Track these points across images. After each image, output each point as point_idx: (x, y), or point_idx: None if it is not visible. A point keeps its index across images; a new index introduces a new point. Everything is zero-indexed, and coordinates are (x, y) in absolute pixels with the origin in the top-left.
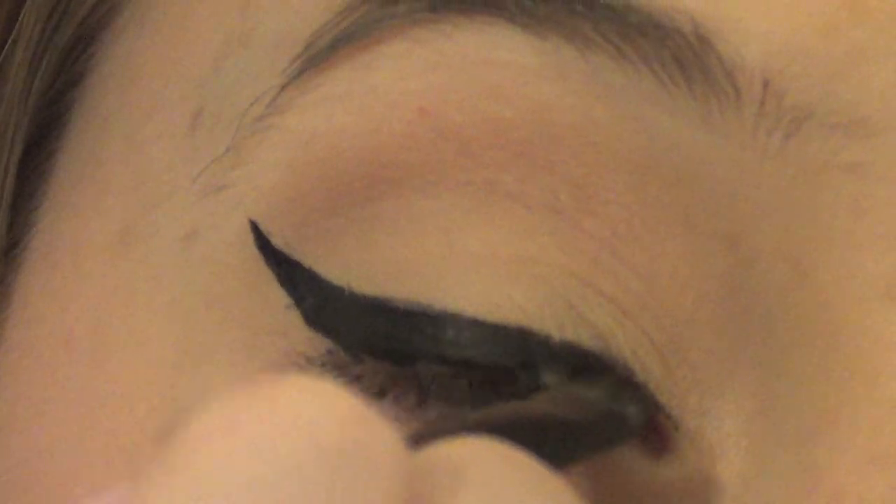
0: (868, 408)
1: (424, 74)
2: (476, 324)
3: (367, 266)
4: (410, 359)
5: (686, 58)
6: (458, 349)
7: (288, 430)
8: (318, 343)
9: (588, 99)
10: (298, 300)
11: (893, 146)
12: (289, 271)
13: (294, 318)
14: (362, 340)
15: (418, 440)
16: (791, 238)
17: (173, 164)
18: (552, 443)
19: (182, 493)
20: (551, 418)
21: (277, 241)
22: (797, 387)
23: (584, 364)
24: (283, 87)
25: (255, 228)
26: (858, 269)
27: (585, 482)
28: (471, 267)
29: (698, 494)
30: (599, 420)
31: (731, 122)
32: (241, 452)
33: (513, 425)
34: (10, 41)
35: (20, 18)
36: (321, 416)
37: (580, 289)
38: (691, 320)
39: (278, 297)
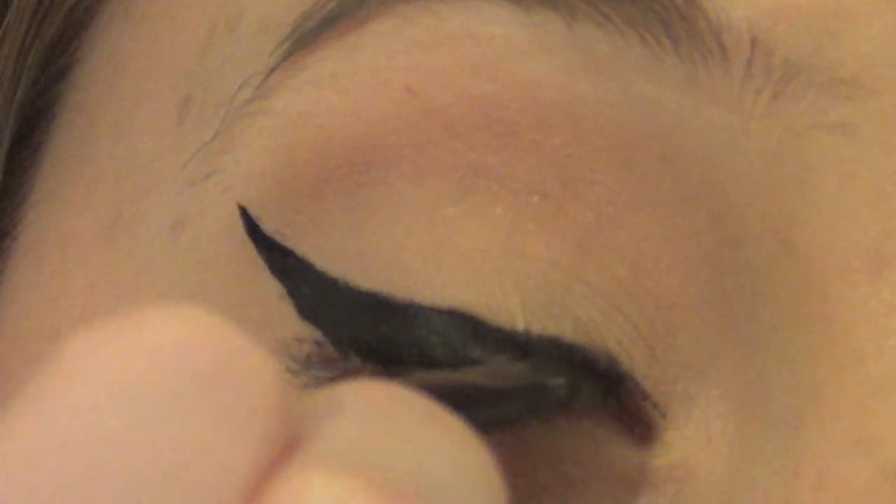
0: (853, 388)
1: (412, 52)
2: (464, 322)
3: (357, 257)
4: (398, 361)
5: (673, 19)
6: (447, 350)
7: (157, 352)
8: (306, 335)
9: (574, 73)
10: (292, 290)
11: (881, 107)
12: (281, 259)
13: (285, 309)
14: (352, 335)
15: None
16: (778, 208)
17: (161, 154)
18: (471, 408)
19: (44, 416)
20: (472, 386)
21: (267, 227)
22: (783, 367)
23: (568, 359)
24: (272, 71)
25: (245, 213)
26: (844, 239)
27: (572, 470)
28: (457, 263)
29: (686, 481)
30: (522, 391)
31: (719, 83)
32: (105, 374)
33: (433, 389)
34: None
35: (7, 13)
36: (192, 341)
37: (565, 281)
38: (677, 304)
39: (269, 286)
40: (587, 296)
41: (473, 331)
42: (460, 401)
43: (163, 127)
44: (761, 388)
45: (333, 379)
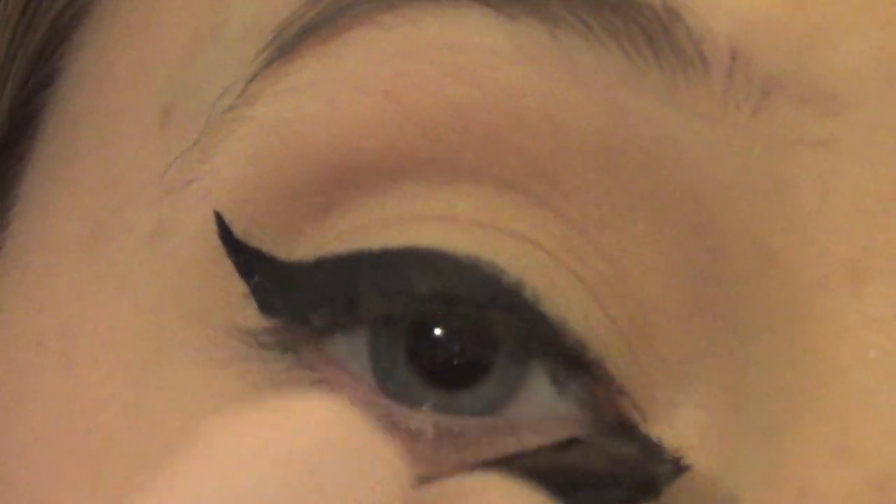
0: (834, 398)
1: (392, 60)
2: (450, 255)
3: (322, 237)
4: (364, 297)
5: (655, 31)
6: (430, 281)
7: (302, 439)
8: (273, 334)
9: (558, 81)
10: (255, 288)
11: (861, 122)
12: (247, 259)
13: (250, 308)
14: (315, 305)
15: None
16: (758, 219)
17: (144, 162)
18: (579, 495)
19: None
20: (580, 471)
21: (237, 230)
22: (765, 376)
23: (538, 331)
24: (252, 78)
25: (219, 218)
26: (824, 252)
27: None
28: (438, 229)
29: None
30: (628, 477)
31: (700, 95)
32: (256, 453)
33: (541, 474)
34: None
35: None
36: (332, 435)
37: (549, 262)
38: (658, 308)
39: (237, 287)
40: (569, 281)
41: (445, 269)
42: (569, 485)
43: (146, 135)
44: (744, 395)
45: (301, 369)
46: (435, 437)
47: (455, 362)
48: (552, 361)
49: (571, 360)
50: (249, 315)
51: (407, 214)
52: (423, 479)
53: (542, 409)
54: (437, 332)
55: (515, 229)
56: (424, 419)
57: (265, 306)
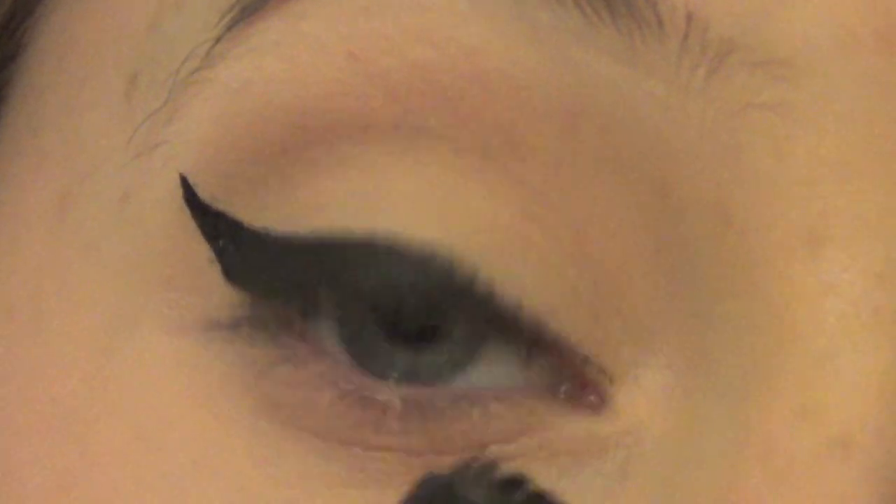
0: (795, 361)
1: (354, 19)
2: (405, 249)
3: (288, 206)
4: (322, 288)
5: None
6: (384, 275)
7: None
8: (238, 300)
9: (516, 41)
10: (219, 252)
11: (815, 88)
12: (213, 222)
13: (216, 275)
14: (277, 283)
15: None
16: (717, 183)
17: (109, 130)
18: None
19: None
20: None
21: (203, 193)
22: (727, 339)
23: (493, 320)
24: (216, 41)
25: (184, 181)
26: (781, 216)
27: (525, 440)
28: (396, 206)
29: (635, 447)
30: None
31: (656, 57)
32: None
33: None
34: None
35: None
36: None
37: (505, 239)
38: (622, 271)
39: (203, 253)
40: (525, 255)
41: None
42: None
43: (111, 102)
44: (706, 357)
45: (268, 340)
46: (403, 409)
47: (420, 320)
48: (511, 343)
49: (531, 341)
50: (215, 282)
51: (370, 189)
52: (391, 451)
53: (507, 378)
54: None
55: (474, 204)
56: (392, 391)
57: (229, 272)
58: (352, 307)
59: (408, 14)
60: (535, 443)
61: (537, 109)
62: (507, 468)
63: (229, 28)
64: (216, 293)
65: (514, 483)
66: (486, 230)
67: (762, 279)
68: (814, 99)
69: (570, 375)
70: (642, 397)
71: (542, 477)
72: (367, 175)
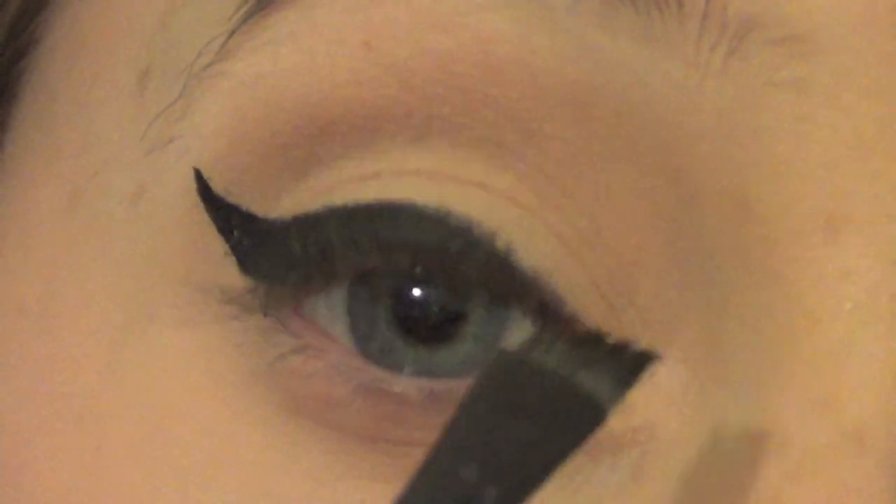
0: (809, 350)
1: (368, 8)
2: (422, 208)
3: (300, 195)
4: (338, 250)
5: None
6: (402, 231)
7: None
8: (252, 292)
9: (531, 27)
10: (234, 245)
11: (836, 64)
12: (226, 216)
13: (230, 268)
14: (292, 266)
15: None
16: (734, 168)
17: (122, 125)
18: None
19: None
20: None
21: (217, 187)
22: (743, 328)
23: (512, 282)
24: (231, 34)
25: (198, 174)
26: (799, 200)
27: None
28: (412, 183)
29: (650, 443)
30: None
31: (674, 36)
32: None
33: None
34: None
35: None
36: None
37: (523, 216)
38: (637, 262)
39: (218, 247)
40: (545, 234)
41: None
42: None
43: (124, 98)
44: (722, 349)
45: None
46: (419, 400)
47: (433, 319)
48: (529, 315)
49: (548, 315)
50: (230, 275)
51: (383, 170)
52: (410, 445)
53: None
54: (416, 291)
55: (491, 185)
56: (408, 382)
57: (244, 264)
58: (367, 300)
59: (421, 2)
60: None
61: (552, 97)
62: (582, 327)
63: (245, 20)
64: (231, 286)
65: (591, 339)
66: (504, 206)
67: (779, 266)
68: (834, 75)
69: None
70: (657, 393)
71: (556, 474)
72: (380, 160)
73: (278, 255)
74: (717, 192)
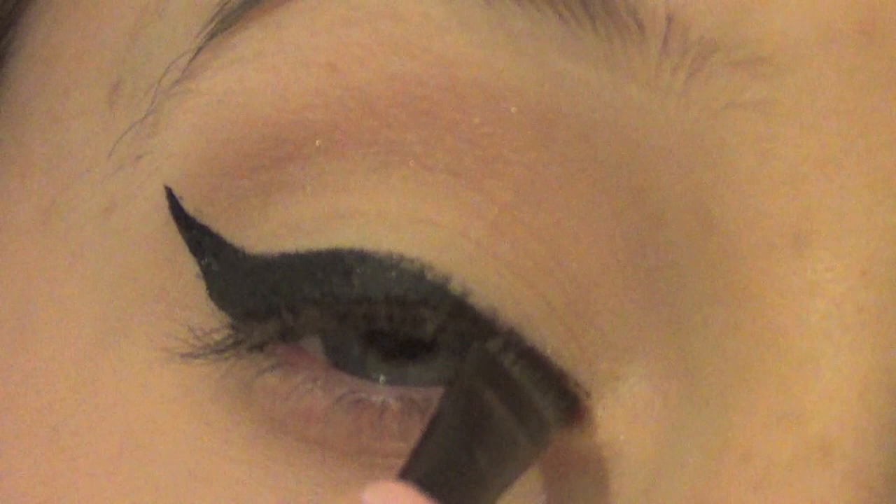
0: (776, 364)
1: (334, 30)
2: (373, 257)
3: (266, 225)
4: (299, 307)
5: None
6: (355, 285)
7: None
8: (217, 323)
9: (493, 50)
10: (204, 268)
11: (797, 86)
12: (198, 237)
13: (200, 290)
14: (254, 302)
15: None
16: (697, 185)
17: (92, 139)
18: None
19: None
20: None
21: (188, 206)
22: (708, 344)
23: (469, 325)
24: (198, 51)
25: (169, 193)
26: (764, 216)
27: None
28: (367, 225)
29: (614, 460)
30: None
31: (635, 61)
32: None
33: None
34: None
35: None
36: None
37: (477, 253)
38: (597, 283)
39: (190, 266)
40: (497, 268)
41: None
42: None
43: (94, 112)
44: (686, 365)
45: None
46: (401, 409)
47: (404, 336)
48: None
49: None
50: (202, 295)
51: (339, 208)
52: (390, 456)
53: None
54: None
55: (444, 220)
56: (388, 392)
57: (212, 292)
58: (332, 324)
59: (386, 24)
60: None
61: (513, 119)
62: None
63: (211, 37)
64: (203, 305)
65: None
66: (456, 244)
67: (745, 281)
68: (796, 95)
69: (547, 388)
70: (621, 410)
71: (522, 491)
72: (339, 195)
73: (244, 293)
74: (681, 210)
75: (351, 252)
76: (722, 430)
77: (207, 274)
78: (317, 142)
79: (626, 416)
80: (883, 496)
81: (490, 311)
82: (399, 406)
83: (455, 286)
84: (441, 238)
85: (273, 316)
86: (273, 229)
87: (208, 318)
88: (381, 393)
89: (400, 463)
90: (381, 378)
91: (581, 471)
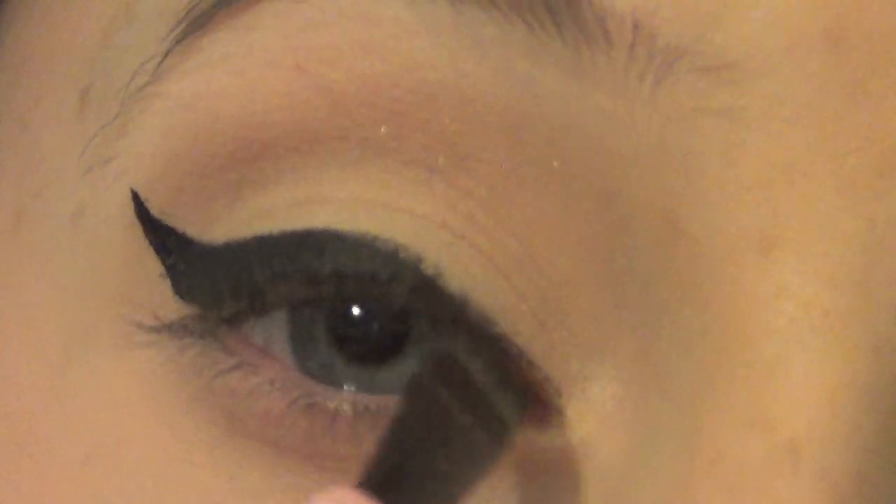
0: (744, 369)
1: (304, 32)
2: (347, 236)
3: (235, 219)
4: (268, 284)
5: (557, 5)
6: (327, 261)
7: None
8: (189, 312)
9: (461, 54)
10: (170, 266)
11: (764, 91)
12: (163, 237)
13: (166, 288)
14: (225, 293)
15: None
16: (664, 191)
17: (63, 145)
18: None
19: None
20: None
21: (153, 208)
22: (677, 348)
23: (441, 305)
24: (166, 54)
25: (135, 196)
26: (731, 221)
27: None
28: (342, 211)
29: (585, 462)
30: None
31: (602, 69)
32: None
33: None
34: None
35: None
36: None
37: (452, 240)
38: (569, 282)
39: (154, 267)
40: (474, 257)
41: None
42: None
43: (64, 118)
44: (656, 368)
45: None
46: (353, 415)
47: (373, 339)
48: (461, 336)
49: (477, 335)
50: (166, 296)
51: (313, 197)
52: (343, 460)
53: None
54: (355, 310)
55: (420, 211)
56: (344, 398)
57: (178, 288)
58: (301, 293)
59: (355, 27)
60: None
61: (483, 122)
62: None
63: (179, 41)
64: (167, 306)
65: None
66: (433, 232)
67: (713, 285)
68: (763, 102)
69: (516, 382)
70: (591, 411)
71: (491, 492)
72: (312, 184)
73: (211, 281)
74: (648, 214)
75: (325, 231)
76: (692, 434)
77: (172, 271)
78: (286, 142)
79: (596, 417)
80: (852, 498)
81: (462, 294)
82: (352, 412)
83: (427, 266)
84: (417, 225)
85: (242, 294)
86: (244, 218)
87: (172, 314)
88: (338, 398)
89: (354, 467)
90: (347, 383)
91: (551, 472)
